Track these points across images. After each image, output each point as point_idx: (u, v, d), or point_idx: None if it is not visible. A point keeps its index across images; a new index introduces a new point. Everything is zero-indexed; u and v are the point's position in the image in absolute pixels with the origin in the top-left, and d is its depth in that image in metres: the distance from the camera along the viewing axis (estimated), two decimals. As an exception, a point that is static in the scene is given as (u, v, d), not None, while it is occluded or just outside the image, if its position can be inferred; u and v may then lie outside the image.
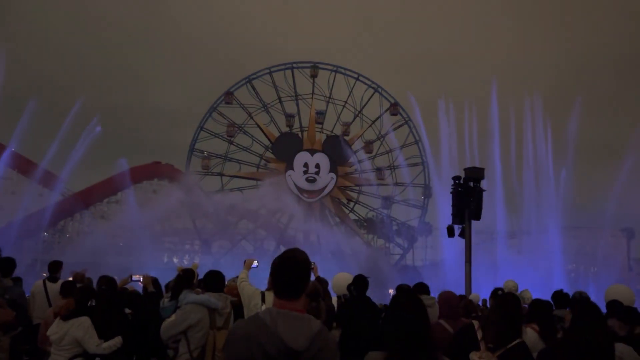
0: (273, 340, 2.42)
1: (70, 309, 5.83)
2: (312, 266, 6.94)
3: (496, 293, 8.72)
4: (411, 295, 3.17)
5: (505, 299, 3.88)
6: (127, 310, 7.21)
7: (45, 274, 9.45)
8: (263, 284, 5.76)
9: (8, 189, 39.11)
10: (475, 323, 3.92)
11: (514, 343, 3.69)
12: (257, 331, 2.47)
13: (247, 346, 2.45)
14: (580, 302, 3.90)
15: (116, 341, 5.95)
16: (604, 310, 6.24)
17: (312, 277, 7.24)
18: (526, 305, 7.27)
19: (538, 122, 36.02)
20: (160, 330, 5.21)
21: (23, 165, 38.83)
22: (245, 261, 6.13)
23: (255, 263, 6.11)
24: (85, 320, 5.81)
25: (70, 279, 8.87)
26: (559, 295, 7.55)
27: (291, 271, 2.62)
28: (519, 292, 9.67)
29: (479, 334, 3.80)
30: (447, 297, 5.39)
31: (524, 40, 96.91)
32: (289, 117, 43.37)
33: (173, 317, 5.20)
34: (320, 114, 43.68)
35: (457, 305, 5.26)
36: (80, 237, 37.05)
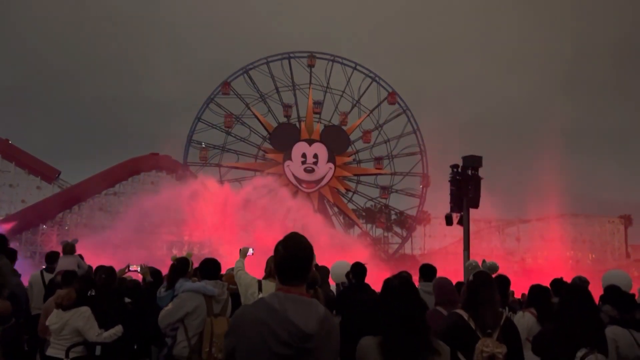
0: (284, 324, 2.42)
1: (71, 299, 5.85)
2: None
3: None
4: (403, 278, 3.13)
5: (485, 279, 3.82)
6: (127, 300, 7.25)
7: (43, 266, 9.44)
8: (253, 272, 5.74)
9: (6, 181, 39.00)
10: (463, 313, 3.79)
11: (503, 319, 3.68)
12: (266, 315, 2.46)
13: (257, 331, 2.44)
14: (568, 287, 3.90)
15: (116, 330, 5.99)
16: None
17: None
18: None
19: (537, 109, 36.06)
20: (157, 319, 5.23)
21: (21, 158, 38.77)
22: (240, 249, 6.10)
23: (250, 250, 6.10)
24: (85, 310, 5.83)
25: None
26: (557, 282, 7.57)
27: (296, 257, 2.61)
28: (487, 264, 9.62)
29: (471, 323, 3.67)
30: (440, 284, 5.36)
31: (523, 27, 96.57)
32: (287, 107, 43.22)
33: (170, 305, 5.23)
34: (318, 104, 43.57)
35: (452, 291, 5.23)
36: (79, 229, 36.96)
